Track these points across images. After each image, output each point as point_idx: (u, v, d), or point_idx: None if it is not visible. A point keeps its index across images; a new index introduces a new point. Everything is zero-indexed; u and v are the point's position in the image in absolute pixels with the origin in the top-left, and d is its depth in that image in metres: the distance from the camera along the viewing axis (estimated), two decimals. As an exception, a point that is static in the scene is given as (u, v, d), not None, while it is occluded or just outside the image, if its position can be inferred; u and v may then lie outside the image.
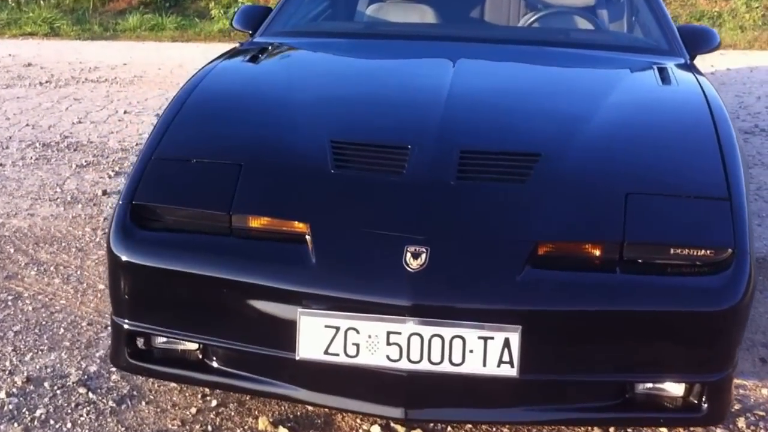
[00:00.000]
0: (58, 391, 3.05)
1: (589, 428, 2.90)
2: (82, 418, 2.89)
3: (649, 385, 2.58)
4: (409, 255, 2.45)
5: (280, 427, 2.87)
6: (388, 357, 2.42)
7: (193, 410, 2.96)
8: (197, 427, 2.87)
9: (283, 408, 2.97)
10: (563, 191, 2.65)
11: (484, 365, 2.42)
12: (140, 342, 2.69)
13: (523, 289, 2.44)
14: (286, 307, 2.48)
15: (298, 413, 2.95)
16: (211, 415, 2.94)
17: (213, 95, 3.21)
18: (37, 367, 3.21)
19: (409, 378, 2.44)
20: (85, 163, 5.81)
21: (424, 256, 2.44)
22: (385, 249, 2.48)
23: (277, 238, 2.60)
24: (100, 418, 2.90)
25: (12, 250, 4.29)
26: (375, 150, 2.81)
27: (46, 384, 3.09)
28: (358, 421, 2.92)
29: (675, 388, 2.59)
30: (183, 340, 2.63)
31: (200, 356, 2.67)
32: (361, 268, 2.47)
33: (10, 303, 3.72)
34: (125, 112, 7.29)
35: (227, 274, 2.53)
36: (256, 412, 2.96)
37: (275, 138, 2.89)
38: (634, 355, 2.52)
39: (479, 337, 2.41)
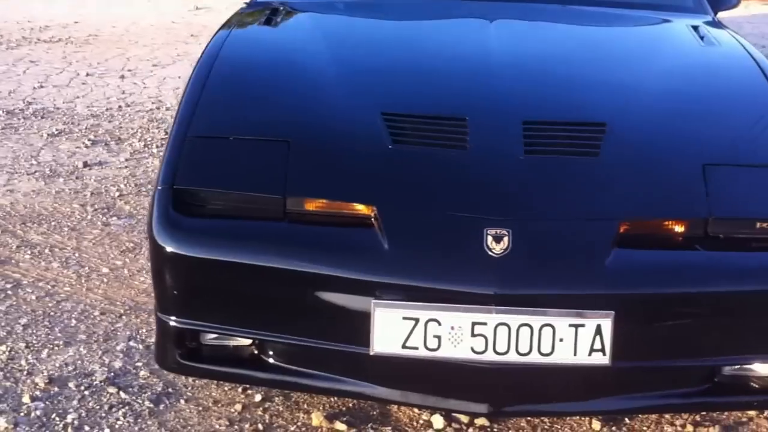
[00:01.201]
0: (86, 392, 2.79)
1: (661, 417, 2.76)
2: (119, 422, 2.65)
3: (737, 367, 2.44)
4: (490, 238, 2.25)
5: (336, 422, 2.67)
6: (472, 349, 2.23)
7: (238, 407, 2.73)
8: (247, 426, 2.65)
9: (334, 401, 2.76)
10: (637, 164, 2.50)
11: (575, 354, 2.24)
12: (188, 340, 2.45)
13: (613, 272, 2.27)
14: (357, 299, 2.26)
15: (352, 406, 2.75)
16: (259, 412, 2.72)
17: (238, 66, 2.94)
18: (57, 365, 2.94)
19: (495, 371, 2.26)
20: (56, 132, 5.45)
21: (506, 239, 2.25)
22: (464, 232, 2.28)
23: (338, 222, 2.37)
24: (139, 420, 2.66)
25: (-2, 232, 3.98)
26: (431, 122, 2.60)
27: (71, 384, 2.82)
28: (416, 411, 2.73)
29: (765, 369, 2.45)
30: (240, 336, 2.40)
31: (256, 353, 2.44)
32: (439, 253, 2.27)
33: (10, 292, 3.42)
34: (87, 75, 6.90)
35: (288, 264, 2.30)
36: (306, 406, 2.75)
37: (320, 111, 2.65)
38: (725, 337, 2.37)
39: (570, 325, 2.23)
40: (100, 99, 6.23)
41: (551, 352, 2.24)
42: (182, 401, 2.76)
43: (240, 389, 2.81)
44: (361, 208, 2.37)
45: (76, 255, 3.76)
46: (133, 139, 5.33)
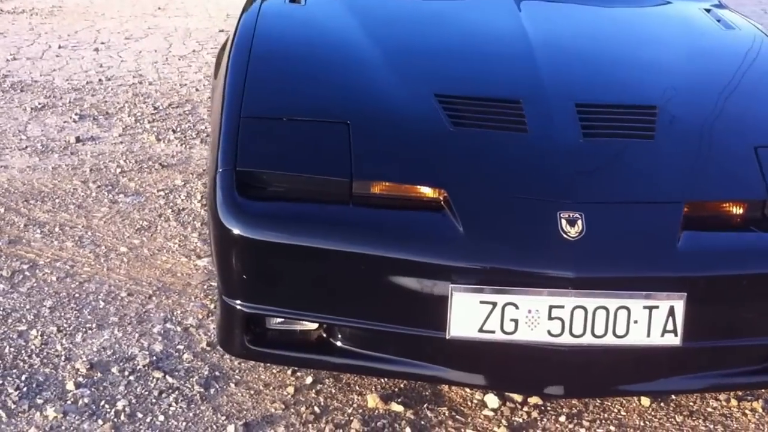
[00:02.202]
0: (131, 377, 2.71)
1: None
2: (172, 408, 2.58)
3: None
4: (564, 222, 2.24)
5: (392, 403, 2.64)
6: (549, 332, 2.22)
7: (290, 390, 2.68)
8: (303, 409, 2.60)
9: (385, 382, 2.73)
10: (691, 147, 2.55)
11: (648, 335, 2.25)
12: (255, 325, 2.39)
13: (685, 254, 2.28)
14: (433, 283, 2.24)
15: (404, 386, 2.72)
16: (312, 394, 2.67)
17: (278, 44, 2.88)
18: (94, 349, 2.85)
19: (570, 353, 2.25)
20: (39, 106, 5.28)
21: (580, 222, 2.24)
22: (538, 216, 2.28)
23: (406, 205, 2.34)
24: (192, 406, 2.60)
25: (1, 210, 3.83)
26: (487, 105, 2.60)
27: (113, 369, 2.74)
28: (469, 391, 2.71)
29: None
30: (311, 321, 2.35)
31: (324, 336, 2.39)
32: (515, 237, 2.26)
33: (27, 273, 3.31)
34: (60, 47, 6.68)
35: (360, 248, 2.25)
36: (358, 388, 2.71)
37: (374, 92, 2.61)
38: None
39: (644, 307, 2.24)
40: (78, 72, 6.04)
41: (626, 334, 2.24)
42: (232, 384, 2.70)
43: (289, 371, 2.76)
44: (429, 191, 2.34)
45: (89, 234, 3.64)
46: (121, 113, 5.18)
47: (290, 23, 3.07)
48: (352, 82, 2.65)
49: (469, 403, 2.68)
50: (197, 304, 3.14)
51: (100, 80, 5.85)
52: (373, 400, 2.64)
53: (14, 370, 2.71)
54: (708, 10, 3.47)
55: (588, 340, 2.23)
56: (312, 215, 2.30)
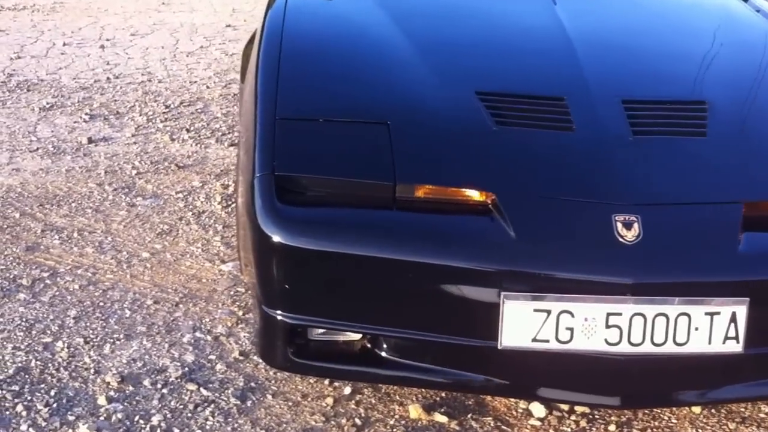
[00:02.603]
0: (165, 390, 2.61)
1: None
2: (209, 423, 2.48)
3: None
4: (620, 225, 2.15)
5: (435, 414, 2.55)
6: (606, 341, 2.13)
7: (329, 401, 2.59)
8: (343, 421, 2.51)
9: (427, 392, 2.64)
10: (747, 143, 2.47)
11: (709, 343, 2.16)
12: (297, 336, 2.29)
13: (747, 257, 2.19)
14: (483, 290, 2.15)
15: (446, 396, 2.63)
16: (352, 405, 2.58)
17: (310, 41, 2.78)
18: (124, 361, 2.75)
19: (628, 362, 2.16)
20: (47, 105, 5.17)
21: (636, 225, 2.15)
22: (592, 219, 2.18)
23: (453, 209, 2.24)
24: (230, 420, 2.50)
25: (17, 215, 3.73)
26: (530, 102, 2.50)
27: (145, 382, 2.65)
28: (513, 400, 2.62)
29: None
30: (356, 332, 2.25)
31: (370, 347, 2.30)
32: (569, 242, 2.16)
33: (48, 281, 3.21)
34: (64, 45, 6.57)
35: (407, 255, 2.16)
36: (398, 397, 2.62)
37: (412, 91, 2.52)
38: None
39: (706, 313, 2.14)
40: (84, 70, 5.94)
41: (686, 342, 2.15)
42: (269, 396, 2.61)
43: (326, 381, 2.67)
44: (476, 194, 2.24)
45: (109, 239, 3.55)
46: (132, 113, 5.08)
47: (319, 19, 2.97)
48: (390, 80, 2.55)
49: (515, 413, 2.59)
50: (225, 311, 3.05)
51: (108, 78, 5.74)
52: (415, 411, 2.55)
53: (42, 385, 2.61)
54: (745, 0, 3.38)
55: (647, 348, 2.13)
56: (355, 221, 2.21)
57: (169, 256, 3.43)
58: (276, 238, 2.18)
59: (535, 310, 2.12)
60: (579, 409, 2.59)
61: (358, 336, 2.29)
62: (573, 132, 2.39)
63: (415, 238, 2.17)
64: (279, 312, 2.24)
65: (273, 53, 2.65)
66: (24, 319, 2.95)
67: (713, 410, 2.62)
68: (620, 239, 2.14)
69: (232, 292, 3.17)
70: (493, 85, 2.56)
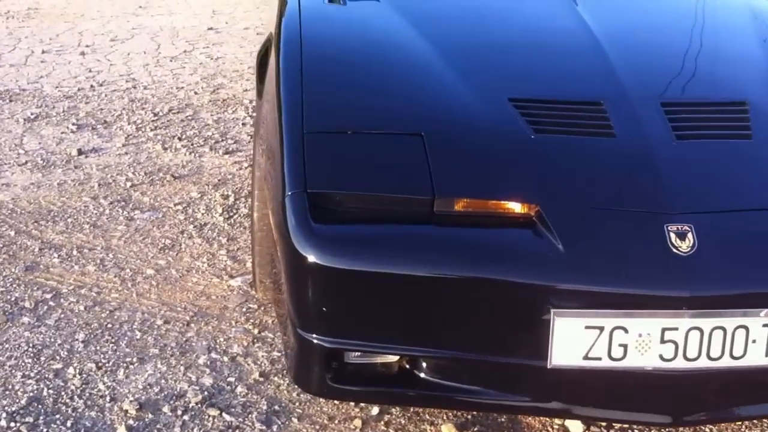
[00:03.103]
0: (186, 417, 2.50)
1: None
2: (236, 450, 2.38)
3: None
4: (672, 235, 2.06)
5: (469, 434, 2.47)
6: (661, 357, 2.04)
7: (358, 422, 2.49)
8: (376, 445, 2.42)
9: (459, 411, 2.54)
10: None
11: (767, 355, 2.08)
12: (334, 360, 2.19)
13: None
14: (531, 308, 2.04)
15: (478, 414, 2.54)
16: (381, 426, 2.48)
17: (331, 48, 2.66)
18: (140, 386, 2.63)
19: (682, 378, 2.07)
20: (32, 116, 5.01)
21: (689, 235, 2.06)
22: (643, 229, 2.09)
23: (494, 223, 2.14)
24: (257, 447, 2.40)
25: (12, 233, 3.59)
26: (566, 108, 2.40)
27: (165, 409, 2.53)
28: (546, 418, 2.54)
29: None
30: (398, 353, 2.15)
31: (408, 369, 2.20)
32: (621, 254, 2.07)
33: (52, 303, 3.08)
34: (43, 52, 6.39)
35: (450, 272, 2.06)
36: (429, 416, 2.53)
37: (443, 99, 2.41)
38: None
39: (764, 325, 2.06)
40: (66, 78, 5.78)
41: (743, 355, 2.06)
42: (295, 419, 2.50)
43: (351, 402, 2.57)
44: (518, 206, 2.15)
45: (110, 256, 3.42)
46: (120, 122, 4.94)
47: (336, 26, 2.86)
48: (419, 89, 2.45)
49: (550, 429, 2.50)
50: (239, 329, 2.93)
51: (91, 86, 5.59)
52: (448, 431, 2.46)
53: (57, 416, 2.49)
54: None
55: (703, 363, 2.04)
56: (394, 238, 2.11)
57: (174, 272, 3.31)
58: (312, 259, 2.07)
59: (587, 327, 2.02)
60: (617, 424, 2.51)
61: (395, 358, 2.19)
62: (614, 138, 2.29)
63: (457, 253, 2.07)
64: (315, 336, 2.13)
65: (293, 62, 2.54)
66: (31, 345, 2.82)
67: (755, 421, 2.55)
68: (675, 250, 2.05)
69: (244, 309, 3.06)
70: (526, 91, 2.46)
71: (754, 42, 2.84)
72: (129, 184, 4.09)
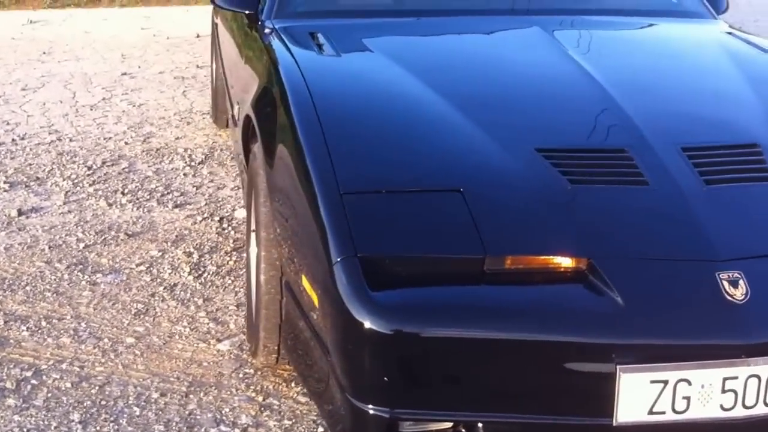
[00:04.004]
0: (213, 498, 2.39)
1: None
2: None
3: None
4: (725, 283, 2.10)
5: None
6: (721, 406, 2.07)
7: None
8: None
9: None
10: None
11: None
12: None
13: None
14: (595, 365, 2.05)
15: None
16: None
17: (345, 104, 2.63)
18: (155, 468, 2.50)
19: (740, 427, 2.10)
20: (-44, 175, 4.75)
21: (741, 282, 2.11)
22: (697, 279, 2.12)
23: (547, 279, 2.14)
24: None
25: (-32, 306, 3.38)
26: (594, 157, 2.44)
27: (189, 490, 2.41)
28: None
29: None
30: (459, 421, 2.10)
31: (464, 433, 2.15)
32: (680, 305, 2.10)
33: (34, 381, 2.89)
34: (-49, 103, 6.08)
35: (514, 333, 2.04)
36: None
37: (475, 152, 2.42)
38: None
39: None
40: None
41: None
42: (327, 492, 2.43)
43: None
44: (568, 260, 2.15)
45: (83, 325, 3.25)
46: (54, 177, 4.73)
47: (342, 79, 2.82)
48: (447, 143, 2.44)
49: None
50: (242, 397, 2.83)
51: (13, 140, 5.34)
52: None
53: (76, 508, 2.34)
54: (729, 33, 3.44)
55: (760, 410, 2.08)
56: (453, 301, 2.07)
57: (156, 339, 3.17)
58: (372, 327, 2.01)
59: (652, 381, 2.03)
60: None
61: (449, 424, 2.15)
62: (648, 186, 2.33)
63: (519, 314, 2.06)
64: (372, 406, 2.07)
65: (311, 119, 2.49)
66: (24, 430, 2.65)
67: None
68: (729, 299, 2.08)
69: (240, 375, 2.95)
70: (550, 141, 2.48)
71: (741, 82, 2.92)
72: (81, 245, 3.91)
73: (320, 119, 2.47)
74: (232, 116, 3.56)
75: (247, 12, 3.50)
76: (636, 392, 2.03)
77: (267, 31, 3.27)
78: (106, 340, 3.16)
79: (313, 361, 2.30)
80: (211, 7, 5.94)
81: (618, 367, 2.02)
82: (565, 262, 2.15)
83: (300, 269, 2.32)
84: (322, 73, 2.80)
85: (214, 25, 5.10)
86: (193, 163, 4.95)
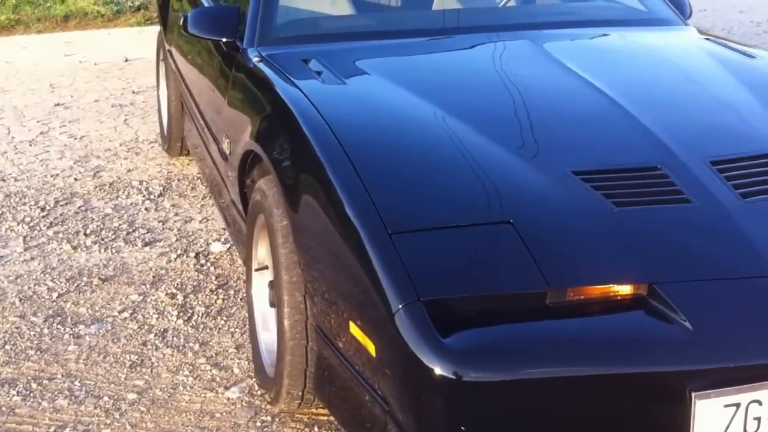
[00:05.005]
0: None
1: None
2: None
3: None
4: None
5: None
6: None
7: None
8: None
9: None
10: None
11: None
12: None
13: None
14: (672, 394, 1.99)
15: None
16: None
17: (367, 135, 2.54)
18: None
19: None
20: None
21: None
22: (758, 298, 2.09)
23: (610, 308, 2.08)
24: None
25: (-54, 372, 3.13)
26: (630, 177, 2.40)
27: None
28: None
29: None
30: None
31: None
32: (745, 325, 2.06)
33: (38, 452, 2.70)
34: None
35: (586, 368, 1.97)
36: None
37: (513, 179, 2.34)
38: None
39: None
40: None
41: None
42: None
43: None
44: (628, 288, 2.08)
45: (77, 384, 3.05)
46: (6, 222, 4.46)
47: (356, 108, 2.72)
48: (484, 171, 2.35)
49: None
50: (266, 448, 2.69)
51: (-48, 184, 5.04)
52: None
53: None
54: (708, 39, 3.45)
55: None
56: (524, 340, 1.99)
57: (159, 392, 2.99)
58: (447, 375, 1.91)
59: (726, 406, 1.99)
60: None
61: None
62: (691, 203, 2.29)
63: (592, 348, 1.98)
64: None
65: (337, 154, 2.38)
66: None
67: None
68: None
69: (258, 424, 2.81)
70: (585, 162, 2.42)
71: (741, 89, 2.92)
72: (54, 294, 3.69)
73: (347, 153, 2.35)
74: (219, 150, 3.39)
75: (224, 40, 3.35)
76: (710, 417, 1.99)
77: (256, 59, 3.13)
78: (106, 398, 2.97)
79: (364, 411, 2.18)
80: (156, 31, 5.75)
81: (693, 393, 1.97)
82: (626, 289, 2.09)
83: (346, 316, 2.19)
84: (332, 102, 2.68)
85: (166, 51, 4.89)
86: (152, 197, 4.74)
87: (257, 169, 2.98)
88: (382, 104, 2.71)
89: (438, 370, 1.91)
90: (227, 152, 3.20)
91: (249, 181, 3.06)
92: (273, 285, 2.70)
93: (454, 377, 1.91)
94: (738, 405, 2.00)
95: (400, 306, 1.98)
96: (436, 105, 2.64)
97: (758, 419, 2.02)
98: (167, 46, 4.81)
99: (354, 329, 2.15)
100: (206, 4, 3.97)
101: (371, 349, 2.06)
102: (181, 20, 4.20)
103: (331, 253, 2.27)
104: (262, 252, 2.94)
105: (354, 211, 2.19)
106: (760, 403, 2.01)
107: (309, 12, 3.60)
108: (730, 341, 2.03)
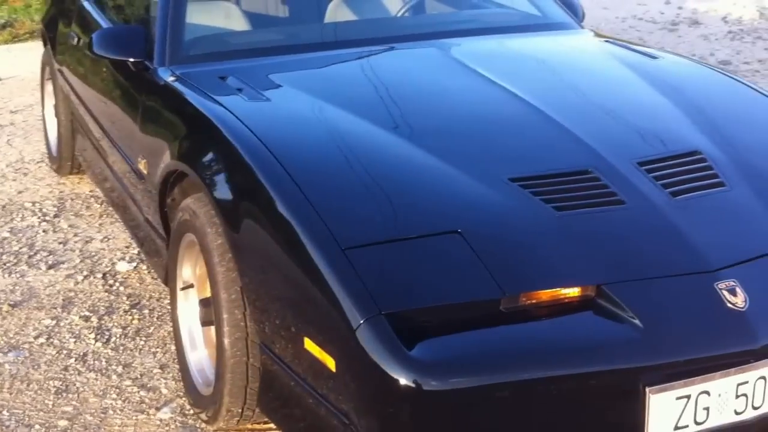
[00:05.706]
0: None
1: None
2: None
3: None
4: (726, 293, 2.24)
5: None
6: (735, 411, 2.21)
7: None
8: None
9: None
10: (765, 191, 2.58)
11: None
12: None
13: None
14: (627, 390, 2.13)
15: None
16: None
17: (304, 152, 2.57)
18: None
19: (751, 428, 2.24)
20: None
21: (738, 289, 2.25)
22: (699, 292, 2.24)
23: (561, 310, 2.20)
24: None
25: None
26: (564, 181, 2.48)
27: None
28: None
29: None
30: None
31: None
32: (691, 320, 2.21)
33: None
34: None
35: (541, 371, 2.09)
36: None
37: (453, 188, 2.44)
38: None
39: None
40: None
41: None
42: None
43: None
44: (577, 290, 2.22)
45: (6, 414, 3.03)
46: None
47: (286, 125, 2.74)
48: (423, 182, 2.44)
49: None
50: (206, 464, 2.74)
51: None
52: None
53: None
54: (608, 41, 3.63)
55: (766, 409, 2.22)
56: (487, 347, 2.09)
57: (89, 417, 3.00)
58: (414, 386, 1.99)
59: (677, 398, 2.13)
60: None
61: None
62: (626, 205, 2.40)
63: (548, 350, 2.10)
64: None
65: (276, 172, 2.43)
66: None
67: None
68: (732, 307, 2.20)
69: (195, 441, 2.85)
70: (520, 169, 2.50)
71: (651, 90, 3.08)
72: (-35, 326, 3.60)
73: (287, 171, 2.40)
74: (133, 170, 3.39)
75: (132, 60, 3.34)
76: (663, 410, 2.13)
77: (171, 78, 3.15)
78: (37, 426, 2.96)
79: (320, 424, 2.24)
80: (29, 48, 5.62)
81: (647, 388, 2.11)
82: (576, 291, 2.20)
83: (298, 332, 2.25)
84: (262, 120, 2.72)
85: (55, 71, 4.79)
86: (47, 218, 4.67)
87: (178, 188, 3.00)
88: (311, 120, 2.77)
89: (405, 382, 1.99)
90: (144, 172, 3.20)
91: (170, 200, 3.07)
92: (206, 303, 2.73)
93: (421, 388, 2.00)
94: (689, 397, 2.15)
95: (362, 321, 2.05)
96: (364, 119, 2.71)
97: (707, 409, 2.17)
98: (56, 66, 4.72)
99: (310, 345, 2.20)
100: (104, 25, 3.93)
101: (330, 364, 2.13)
102: (76, 40, 4.16)
103: (278, 271, 2.32)
104: (187, 271, 2.96)
105: (302, 228, 2.24)
106: (708, 393, 2.16)
107: (213, 28, 3.62)
108: (679, 336, 2.18)
